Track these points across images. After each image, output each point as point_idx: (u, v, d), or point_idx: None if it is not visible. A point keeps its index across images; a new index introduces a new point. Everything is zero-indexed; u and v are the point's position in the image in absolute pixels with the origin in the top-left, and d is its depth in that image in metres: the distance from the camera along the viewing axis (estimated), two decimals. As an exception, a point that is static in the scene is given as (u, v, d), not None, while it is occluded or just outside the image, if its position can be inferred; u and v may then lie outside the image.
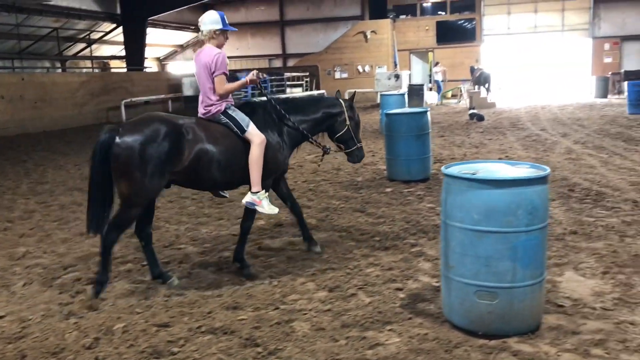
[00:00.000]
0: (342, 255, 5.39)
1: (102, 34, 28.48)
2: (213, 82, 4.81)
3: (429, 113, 9.04)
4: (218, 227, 6.51)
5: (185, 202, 7.94)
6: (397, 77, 24.75)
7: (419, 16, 32.19)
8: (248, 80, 5.04)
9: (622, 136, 12.69)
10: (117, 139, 4.36)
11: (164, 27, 31.15)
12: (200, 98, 4.97)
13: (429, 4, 32.17)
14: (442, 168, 3.83)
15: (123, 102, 22.69)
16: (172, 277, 4.87)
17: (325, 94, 20.45)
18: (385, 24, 30.57)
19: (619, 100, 22.21)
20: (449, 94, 27.66)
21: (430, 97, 26.03)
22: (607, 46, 30.12)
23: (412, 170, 8.63)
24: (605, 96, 24.77)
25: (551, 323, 3.78)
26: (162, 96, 26.82)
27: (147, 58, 29.84)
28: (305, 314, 4.12)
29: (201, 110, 4.94)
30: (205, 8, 34.55)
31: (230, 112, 4.88)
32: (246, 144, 4.83)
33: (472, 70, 27.45)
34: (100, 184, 4.45)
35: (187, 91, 25.57)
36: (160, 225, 6.74)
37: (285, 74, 28.17)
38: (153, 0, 25.95)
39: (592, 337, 3.57)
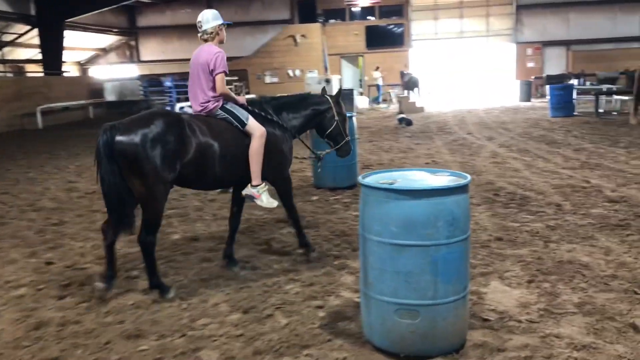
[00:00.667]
0: (261, 271, 5.04)
1: (15, 36, 26.80)
2: (214, 81, 4.74)
3: (354, 118, 8.82)
4: (127, 244, 5.92)
5: (96, 216, 7.33)
6: (328, 81, 24.63)
7: (348, 21, 32.30)
8: (239, 100, 5.01)
9: (544, 139, 12.96)
10: (118, 136, 4.20)
11: (84, 29, 29.69)
12: (192, 95, 4.88)
13: (358, 9, 32.32)
14: (359, 177, 3.57)
15: (39, 108, 21.43)
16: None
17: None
18: (315, 28, 30.45)
19: (542, 104, 22.93)
20: (381, 98, 27.85)
21: (361, 101, 26.09)
22: (529, 51, 31.29)
23: (339, 177, 8.37)
24: (529, 100, 25.60)
25: (476, 340, 3.56)
26: (83, 102, 25.55)
27: (66, 62, 28.34)
28: (215, 340, 3.74)
29: (196, 108, 4.86)
30: (128, 10, 33.57)
31: (228, 107, 4.84)
32: (247, 138, 4.78)
33: (402, 74, 27.77)
34: (113, 184, 4.29)
35: (110, 96, 24.40)
36: (64, 242, 6.18)
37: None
38: (70, 1, 24.56)
39: (517, 354, 3.37)
